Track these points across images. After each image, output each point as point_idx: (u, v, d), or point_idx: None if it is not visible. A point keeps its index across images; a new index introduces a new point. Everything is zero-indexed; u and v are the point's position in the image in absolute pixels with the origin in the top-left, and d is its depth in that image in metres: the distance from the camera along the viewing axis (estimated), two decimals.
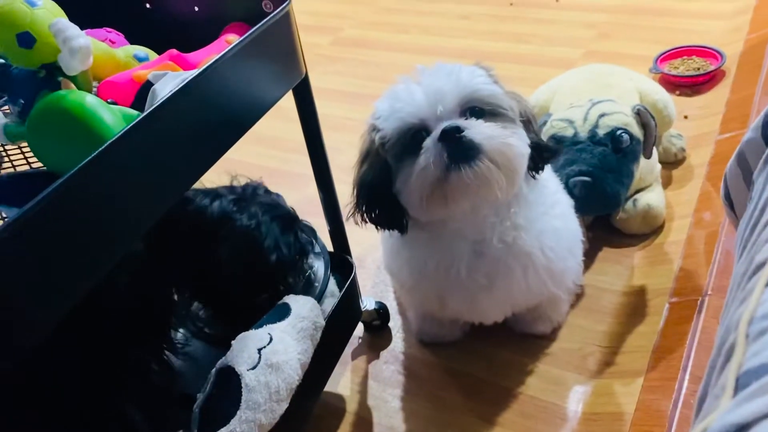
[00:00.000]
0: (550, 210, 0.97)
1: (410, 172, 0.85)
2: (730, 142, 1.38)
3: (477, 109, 0.86)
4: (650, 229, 1.27)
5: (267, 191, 0.96)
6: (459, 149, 0.82)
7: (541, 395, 1.03)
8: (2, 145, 0.95)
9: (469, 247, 0.93)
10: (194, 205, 0.88)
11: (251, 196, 0.92)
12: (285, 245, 0.90)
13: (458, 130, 0.81)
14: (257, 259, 0.88)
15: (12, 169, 0.93)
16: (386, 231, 0.96)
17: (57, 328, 0.54)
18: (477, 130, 0.82)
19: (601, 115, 1.17)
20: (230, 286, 0.89)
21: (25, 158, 0.94)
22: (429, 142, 0.83)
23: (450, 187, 0.84)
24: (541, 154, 0.93)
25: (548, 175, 1.01)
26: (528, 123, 0.93)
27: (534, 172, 0.93)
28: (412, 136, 0.86)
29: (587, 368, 1.06)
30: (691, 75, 1.65)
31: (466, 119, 0.85)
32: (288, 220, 0.93)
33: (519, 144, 0.86)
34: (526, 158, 0.88)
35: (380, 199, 0.92)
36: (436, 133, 0.83)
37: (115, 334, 0.77)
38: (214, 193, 0.91)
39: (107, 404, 0.75)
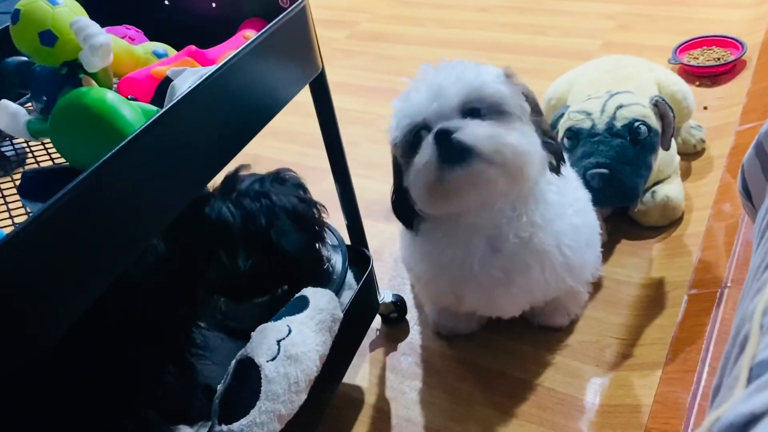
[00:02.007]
0: (569, 208, 0.97)
1: (413, 169, 0.87)
2: (751, 133, 1.37)
3: (480, 109, 0.85)
4: (669, 221, 1.26)
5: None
6: (450, 151, 0.81)
7: (559, 387, 1.03)
8: (26, 142, 0.97)
9: (484, 242, 0.93)
10: (219, 213, 0.88)
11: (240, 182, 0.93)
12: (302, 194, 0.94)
13: (449, 132, 0.81)
14: (301, 219, 0.92)
15: (35, 165, 0.95)
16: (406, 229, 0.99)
17: (71, 330, 0.55)
18: (469, 131, 0.81)
19: (619, 107, 1.17)
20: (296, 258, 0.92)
21: (48, 154, 0.95)
22: (426, 142, 0.84)
23: (446, 186, 0.84)
24: (555, 152, 0.92)
25: (568, 172, 1.00)
26: (540, 123, 0.92)
27: (555, 172, 0.93)
28: (415, 134, 0.87)
29: (605, 360, 1.06)
30: (710, 65, 1.63)
31: (464, 118, 0.84)
32: (277, 178, 0.94)
33: (521, 143, 0.84)
34: (534, 156, 0.86)
35: (399, 196, 0.94)
36: (431, 133, 0.83)
37: (133, 337, 0.78)
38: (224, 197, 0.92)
39: (121, 405, 0.76)
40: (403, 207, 0.95)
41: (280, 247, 0.89)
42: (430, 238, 0.98)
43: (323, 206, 0.98)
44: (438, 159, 0.82)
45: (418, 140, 0.86)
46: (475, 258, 0.94)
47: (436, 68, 0.89)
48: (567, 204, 0.96)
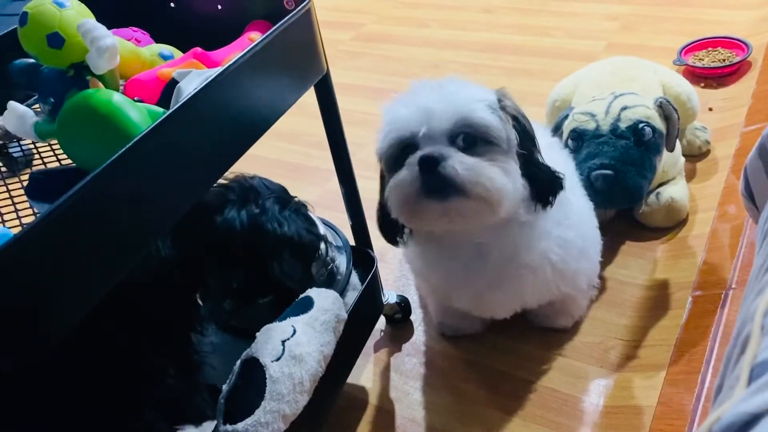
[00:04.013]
0: (558, 225, 0.95)
1: (392, 184, 0.86)
2: (756, 134, 1.36)
3: (470, 135, 0.84)
4: (673, 223, 1.26)
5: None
6: (434, 180, 0.81)
7: (563, 388, 1.03)
8: (33, 143, 0.98)
9: (468, 255, 0.94)
10: (223, 217, 0.88)
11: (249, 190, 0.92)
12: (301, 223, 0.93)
13: (436, 161, 0.81)
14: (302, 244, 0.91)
15: (43, 166, 0.95)
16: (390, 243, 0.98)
17: (76, 331, 0.56)
18: (454, 163, 0.81)
19: (623, 108, 1.17)
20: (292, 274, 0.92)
21: (55, 155, 0.96)
22: (411, 161, 0.83)
23: (420, 212, 0.85)
24: (547, 186, 0.90)
25: (567, 183, 0.99)
26: (530, 153, 0.89)
27: (540, 204, 0.90)
28: (401, 150, 0.86)
29: (609, 361, 1.06)
30: (716, 66, 1.63)
31: (456, 145, 0.84)
32: (282, 198, 0.93)
33: (501, 180, 0.83)
34: (513, 193, 0.85)
35: (383, 213, 0.93)
36: (416, 156, 0.83)
37: (135, 339, 0.78)
38: (231, 201, 0.91)
39: (123, 406, 0.76)
40: (387, 222, 0.93)
41: (278, 280, 0.89)
42: (425, 239, 0.98)
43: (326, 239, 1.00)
44: (420, 186, 0.82)
45: (403, 156, 0.85)
46: (461, 267, 0.95)
47: (426, 86, 0.89)
48: (557, 221, 0.94)
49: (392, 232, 0.96)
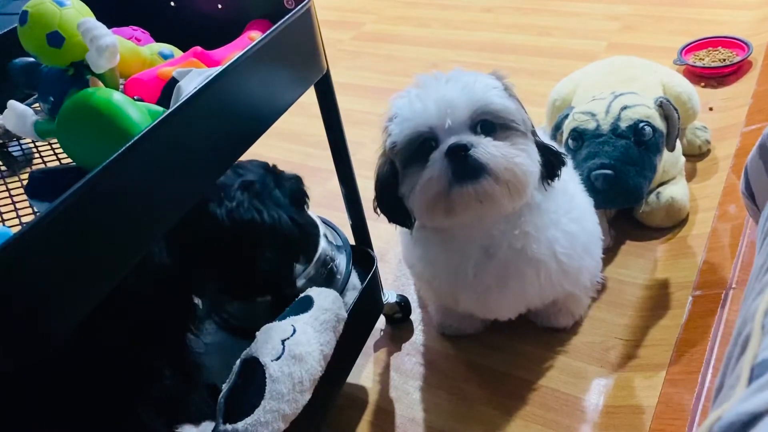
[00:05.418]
0: (566, 215, 0.96)
1: (415, 181, 0.86)
2: (756, 134, 1.36)
3: (488, 122, 0.86)
4: (673, 222, 1.26)
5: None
6: (464, 167, 0.82)
7: (563, 388, 1.03)
8: (33, 142, 0.97)
9: (478, 250, 0.94)
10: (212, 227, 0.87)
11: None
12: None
13: (465, 148, 0.82)
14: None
15: (43, 165, 0.95)
16: (396, 225, 0.98)
17: (73, 331, 0.55)
18: (484, 148, 0.82)
19: (624, 108, 1.17)
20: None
21: (55, 154, 0.96)
22: (436, 156, 0.84)
23: (451, 201, 0.85)
24: (552, 162, 0.92)
25: (567, 177, 0.99)
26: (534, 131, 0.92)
27: (549, 180, 0.92)
28: (420, 145, 0.86)
29: (609, 361, 1.06)
30: (716, 66, 1.63)
31: (477, 133, 0.85)
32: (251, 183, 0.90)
33: (527, 162, 0.85)
34: (535, 174, 0.88)
35: (388, 197, 0.93)
36: (443, 147, 0.83)
37: (130, 340, 0.78)
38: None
39: (119, 405, 0.76)
40: (395, 208, 0.94)
41: (263, 274, 0.89)
42: (427, 242, 0.98)
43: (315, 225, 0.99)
44: (450, 174, 0.83)
45: (422, 151, 0.86)
46: (469, 265, 0.95)
47: (437, 78, 0.89)
48: (563, 212, 0.96)
49: (401, 215, 0.94)
